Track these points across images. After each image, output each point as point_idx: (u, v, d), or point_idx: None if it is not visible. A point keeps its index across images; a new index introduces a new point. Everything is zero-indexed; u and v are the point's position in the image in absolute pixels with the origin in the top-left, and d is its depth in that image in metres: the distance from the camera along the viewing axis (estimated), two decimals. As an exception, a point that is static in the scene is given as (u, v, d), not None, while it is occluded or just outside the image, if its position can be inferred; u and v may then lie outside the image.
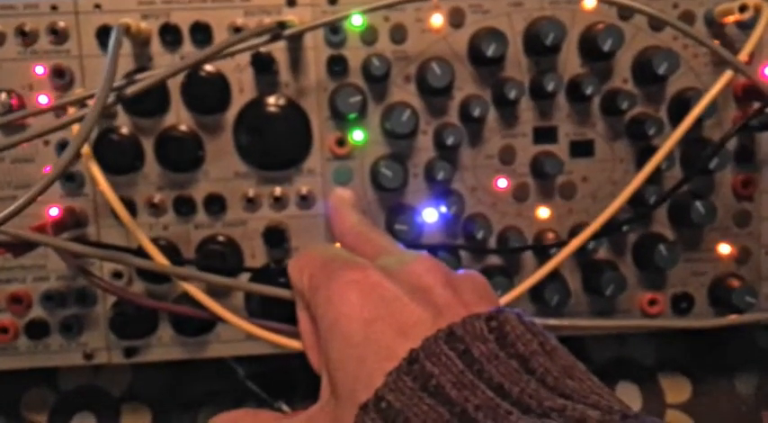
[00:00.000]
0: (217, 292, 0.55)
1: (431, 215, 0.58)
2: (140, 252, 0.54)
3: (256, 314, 0.55)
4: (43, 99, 0.55)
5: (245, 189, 0.57)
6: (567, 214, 0.59)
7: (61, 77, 0.55)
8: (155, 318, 0.58)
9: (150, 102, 0.56)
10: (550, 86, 0.56)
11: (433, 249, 0.57)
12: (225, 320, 0.52)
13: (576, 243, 0.55)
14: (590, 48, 0.57)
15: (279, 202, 0.58)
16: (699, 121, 0.56)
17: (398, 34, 0.57)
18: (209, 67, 0.56)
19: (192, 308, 0.53)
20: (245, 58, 0.56)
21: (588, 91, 0.56)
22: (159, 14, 0.56)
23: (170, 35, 0.56)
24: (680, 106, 0.57)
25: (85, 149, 0.54)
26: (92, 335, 0.58)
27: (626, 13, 0.58)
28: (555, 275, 0.58)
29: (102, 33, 0.55)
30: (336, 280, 0.39)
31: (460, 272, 0.42)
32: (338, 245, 0.50)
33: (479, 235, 0.57)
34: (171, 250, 0.56)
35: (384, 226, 0.58)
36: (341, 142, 0.58)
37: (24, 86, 0.56)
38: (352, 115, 0.56)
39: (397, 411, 0.31)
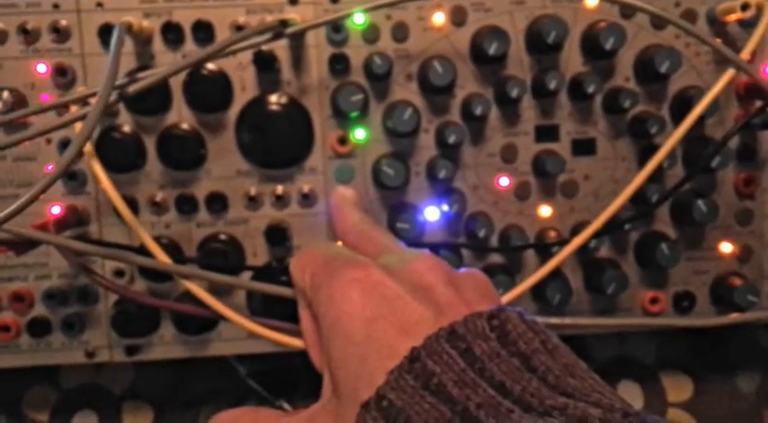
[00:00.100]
0: (218, 291, 0.55)
1: (432, 214, 0.58)
2: (142, 250, 0.54)
3: (258, 313, 0.55)
4: (45, 97, 0.55)
5: (247, 187, 0.57)
6: (568, 213, 0.59)
7: (63, 76, 0.55)
8: (156, 316, 0.58)
9: (152, 100, 0.56)
10: (552, 85, 0.56)
11: (434, 248, 0.57)
12: (227, 319, 0.53)
13: (577, 241, 0.55)
14: (592, 46, 0.57)
15: (281, 201, 0.58)
16: (701, 120, 0.56)
17: (400, 33, 0.57)
18: (210, 66, 0.56)
19: (193, 306, 0.54)
20: (246, 56, 0.56)
21: (590, 89, 0.56)
22: (161, 13, 0.56)
23: (172, 33, 0.56)
24: (682, 105, 0.57)
25: (88, 148, 0.54)
26: (93, 333, 0.58)
27: (628, 11, 0.58)
28: (557, 274, 0.58)
29: (104, 32, 0.55)
30: (338, 278, 0.39)
31: (462, 270, 0.42)
32: (340, 243, 0.50)
33: (481, 233, 0.57)
34: (173, 249, 0.56)
35: (386, 224, 0.58)
36: (343, 141, 0.58)
37: (26, 85, 0.56)
38: (354, 114, 0.56)
39: (398, 410, 0.31)
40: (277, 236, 0.57)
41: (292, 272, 0.46)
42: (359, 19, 0.56)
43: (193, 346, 0.59)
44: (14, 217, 0.42)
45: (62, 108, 0.54)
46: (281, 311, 0.51)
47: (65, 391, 0.64)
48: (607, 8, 0.58)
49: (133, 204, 0.57)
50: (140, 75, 0.52)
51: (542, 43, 0.56)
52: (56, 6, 0.55)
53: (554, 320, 0.56)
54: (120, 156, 0.55)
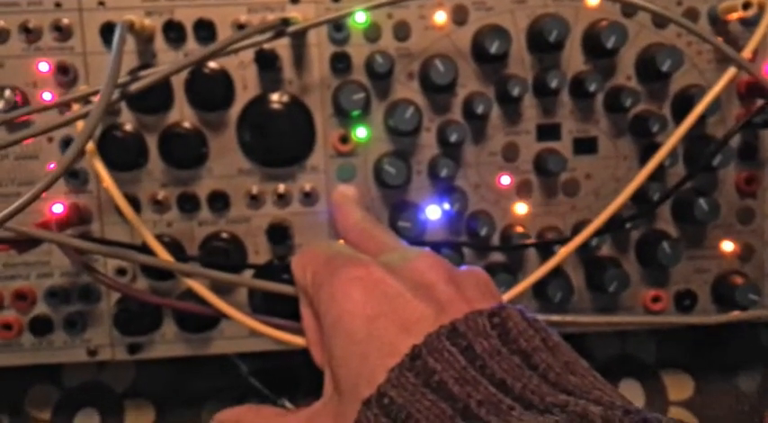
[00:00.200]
0: (220, 289, 0.55)
1: (434, 212, 0.58)
2: (144, 249, 0.54)
3: (260, 311, 0.55)
4: (47, 96, 0.55)
5: (249, 186, 0.58)
6: (570, 211, 0.59)
7: (65, 74, 0.55)
8: (158, 314, 0.58)
9: (154, 99, 0.56)
10: (554, 83, 0.56)
11: (436, 246, 0.57)
12: (228, 317, 0.53)
13: (579, 240, 0.55)
14: (593, 45, 0.57)
15: (282, 199, 0.58)
16: (702, 119, 0.56)
17: (402, 31, 0.57)
18: (212, 64, 0.56)
19: (195, 304, 0.54)
20: (248, 55, 0.56)
21: (591, 88, 0.56)
22: (163, 11, 0.56)
23: (174, 32, 0.56)
24: (683, 103, 0.57)
25: (90, 146, 0.54)
26: (96, 331, 0.58)
27: (629, 9, 0.58)
28: (558, 272, 0.58)
29: (106, 30, 0.55)
30: (339, 276, 0.39)
31: (463, 268, 0.42)
32: (341, 242, 0.50)
33: (482, 232, 0.57)
34: (175, 247, 0.56)
35: (387, 223, 0.58)
36: (344, 139, 0.58)
37: (28, 83, 0.56)
38: (356, 112, 0.56)
39: (399, 407, 0.31)
40: (279, 234, 0.57)
41: (294, 270, 0.46)
42: (360, 18, 0.56)
43: (195, 345, 0.59)
44: (16, 215, 0.42)
45: (64, 106, 0.54)
46: (283, 309, 0.51)
47: (67, 390, 0.65)
48: (608, 7, 0.58)
49: (135, 203, 0.57)
50: (142, 73, 0.52)
51: (544, 42, 0.56)
52: (58, 5, 0.55)
53: (555, 318, 0.56)
54: (122, 154, 0.56)
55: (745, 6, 0.56)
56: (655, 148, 0.56)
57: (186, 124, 0.56)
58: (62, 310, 0.57)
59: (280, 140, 0.56)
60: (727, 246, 0.60)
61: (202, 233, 0.58)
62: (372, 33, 0.57)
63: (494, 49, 0.55)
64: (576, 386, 0.32)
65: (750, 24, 0.58)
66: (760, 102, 0.57)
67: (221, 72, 0.56)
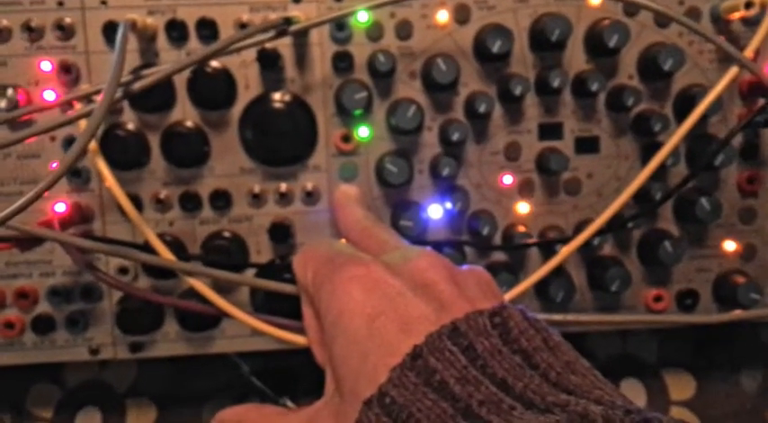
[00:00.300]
0: (222, 288, 0.55)
1: (436, 211, 0.58)
2: (146, 248, 0.54)
3: (261, 310, 0.55)
4: (49, 95, 0.55)
5: (251, 185, 0.58)
6: (572, 210, 0.59)
7: (67, 73, 0.55)
8: (160, 313, 0.58)
9: (156, 98, 0.56)
10: (556, 83, 0.56)
11: (437, 245, 0.57)
12: (230, 316, 0.53)
13: (581, 239, 0.55)
14: (595, 44, 0.57)
15: (284, 198, 0.58)
16: (704, 118, 0.56)
17: (404, 30, 0.57)
18: (214, 63, 0.56)
19: (197, 303, 0.54)
20: (250, 54, 0.56)
21: (594, 87, 0.56)
22: (165, 10, 0.56)
23: (176, 31, 0.56)
24: (685, 102, 0.57)
25: (92, 145, 0.54)
26: (97, 330, 0.58)
27: (631, 9, 0.58)
28: (560, 271, 0.58)
29: (109, 29, 0.55)
30: (340, 275, 0.39)
31: (464, 267, 0.42)
32: (343, 241, 0.50)
33: (484, 231, 0.57)
34: (177, 246, 0.56)
35: (389, 222, 0.58)
36: (346, 138, 0.58)
37: (30, 82, 0.56)
38: (358, 111, 0.56)
39: (400, 407, 0.31)
40: (280, 233, 0.57)
41: (295, 269, 0.46)
42: (362, 17, 0.56)
43: (197, 344, 0.59)
44: (19, 214, 0.42)
45: (66, 106, 0.54)
46: (285, 309, 0.51)
47: (68, 389, 0.65)
48: (611, 6, 0.58)
49: (137, 202, 0.57)
50: (144, 72, 0.52)
51: (546, 41, 0.56)
52: (60, 4, 0.55)
53: (557, 317, 0.56)
54: (124, 153, 0.56)
55: (747, 6, 0.56)
56: (656, 147, 0.56)
57: (188, 123, 0.56)
58: (64, 308, 0.57)
59: (282, 139, 0.56)
60: (729, 245, 0.60)
61: (204, 232, 0.58)
62: (374, 32, 0.57)
63: (496, 48, 0.55)
64: (577, 386, 0.32)
65: (752, 24, 0.58)
66: (762, 101, 0.57)
67: (223, 71, 0.56)
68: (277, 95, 0.57)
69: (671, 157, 0.56)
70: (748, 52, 0.55)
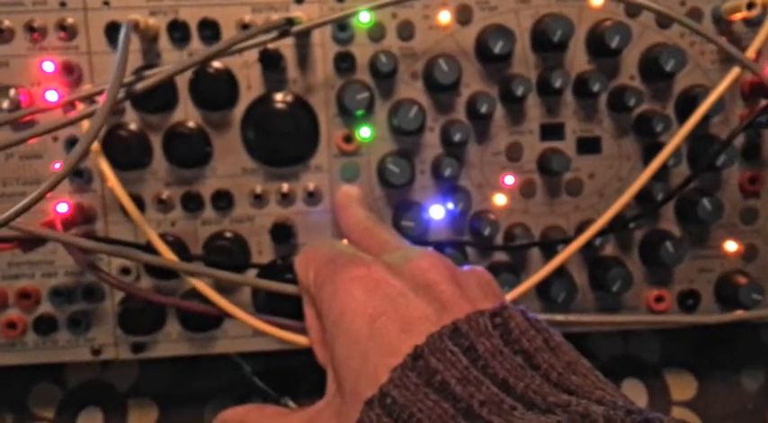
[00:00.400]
0: (224, 288, 0.55)
1: (437, 212, 0.58)
2: (148, 248, 0.54)
3: (263, 310, 0.55)
4: (52, 95, 0.55)
5: (253, 185, 0.58)
6: (573, 211, 0.59)
7: (70, 74, 0.55)
8: (162, 313, 0.58)
9: (158, 98, 0.56)
10: (557, 83, 0.56)
11: (439, 246, 0.57)
12: (232, 316, 0.53)
13: (582, 239, 0.55)
14: (597, 45, 0.57)
15: (286, 199, 0.58)
16: (706, 118, 0.56)
17: (406, 31, 0.57)
18: (216, 64, 0.56)
19: (199, 304, 0.54)
20: (252, 54, 0.56)
21: (595, 88, 0.56)
22: (167, 11, 0.56)
23: (178, 32, 0.56)
24: (687, 103, 0.57)
25: (95, 146, 0.54)
26: (99, 330, 0.58)
27: (633, 10, 0.58)
28: (561, 272, 0.58)
29: (111, 30, 0.55)
30: (341, 276, 0.39)
31: (465, 268, 0.42)
32: (345, 241, 0.50)
33: (486, 231, 0.57)
34: (179, 246, 0.56)
35: (391, 222, 0.58)
36: (348, 139, 0.58)
37: (33, 83, 0.56)
38: (360, 112, 0.56)
39: (401, 407, 0.31)
40: (282, 234, 0.57)
41: (296, 269, 0.46)
42: (364, 17, 0.56)
43: (198, 344, 0.59)
44: (21, 214, 0.42)
45: (68, 106, 0.54)
46: (286, 309, 0.51)
47: (70, 389, 0.65)
48: (612, 7, 0.58)
49: (139, 202, 0.57)
50: (147, 73, 0.52)
51: (548, 42, 0.56)
52: (62, 4, 0.55)
53: (558, 318, 0.56)
54: (127, 153, 0.56)
55: (749, 6, 0.56)
56: (658, 147, 0.56)
57: (190, 124, 0.57)
58: (66, 309, 0.58)
59: (283, 140, 0.57)
60: (731, 245, 0.60)
61: (206, 232, 0.58)
62: (376, 33, 0.57)
63: (498, 48, 0.55)
64: (579, 386, 0.32)
65: (754, 24, 0.58)
66: (763, 102, 0.57)
67: (225, 72, 0.56)
68: (279, 96, 0.57)
69: (672, 158, 0.56)
70: (750, 53, 0.55)
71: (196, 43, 0.56)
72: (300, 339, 0.50)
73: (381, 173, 0.57)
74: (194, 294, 0.54)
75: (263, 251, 0.58)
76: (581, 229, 0.58)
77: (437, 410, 0.31)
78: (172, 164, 0.57)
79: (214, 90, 0.56)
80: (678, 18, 0.54)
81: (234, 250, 0.57)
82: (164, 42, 0.56)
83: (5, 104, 0.54)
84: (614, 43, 0.55)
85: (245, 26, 0.56)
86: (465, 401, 0.31)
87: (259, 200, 0.58)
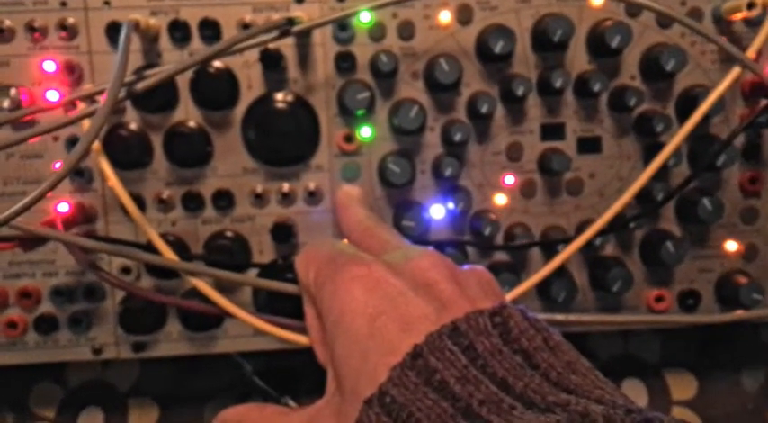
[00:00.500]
0: (225, 288, 0.55)
1: (438, 211, 0.58)
2: (149, 247, 0.54)
3: (264, 309, 0.55)
4: (53, 95, 0.55)
5: (253, 185, 0.58)
6: (574, 211, 0.59)
7: (70, 73, 0.55)
8: (163, 313, 0.58)
9: (159, 98, 0.56)
10: (558, 83, 0.56)
11: (439, 245, 0.57)
12: (233, 316, 0.53)
13: (582, 239, 0.55)
14: (598, 44, 0.57)
15: (287, 198, 0.58)
16: (706, 118, 0.56)
17: (406, 31, 0.57)
18: (217, 64, 0.56)
19: (200, 303, 0.54)
20: (253, 54, 0.56)
21: (596, 88, 0.56)
22: (168, 11, 0.56)
23: (179, 32, 0.56)
24: (687, 103, 0.57)
25: (95, 145, 0.54)
26: (100, 330, 0.58)
27: (634, 9, 0.58)
28: (562, 272, 0.58)
29: (112, 30, 0.55)
30: (341, 275, 0.39)
31: (465, 267, 0.42)
32: (345, 241, 0.50)
33: (486, 231, 0.57)
34: (179, 246, 0.56)
35: (391, 222, 0.58)
36: (349, 138, 0.58)
37: (34, 82, 0.56)
38: (360, 112, 0.56)
39: (400, 406, 0.31)
40: (283, 233, 0.57)
41: (297, 269, 0.46)
42: (365, 17, 0.56)
43: (199, 343, 0.59)
44: (22, 214, 0.42)
45: (69, 106, 0.54)
46: (287, 308, 0.51)
47: (71, 388, 0.65)
48: (613, 7, 0.58)
49: (140, 201, 0.57)
50: (147, 72, 0.52)
51: (548, 42, 0.56)
52: (63, 4, 0.55)
53: (559, 317, 0.56)
54: (127, 153, 0.56)
55: (750, 6, 0.56)
56: (659, 147, 0.56)
57: (191, 123, 0.57)
58: (67, 308, 0.58)
59: (284, 140, 0.57)
60: (731, 245, 0.60)
61: (207, 232, 0.58)
62: (377, 33, 0.57)
63: (498, 48, 0.55)
64: (578, 385, 0.32)
65: (754, 24, 0.58)
66: (764, 101, 0.57)
67: (226, 71, 0.56)
68: (280, 96, 0.57)
69: (673, 158, 0.56)
70: (750, 53, 0.55)
71: (197, 43, 0.56)
72: (301, 339, 0.50)
73: (382, 172, 0.57)
74: (195, 294, 0.54)
75: (263, 251, 0.58)
76: (581, 228, 0.58)
77: (436, 409, 0.31)
78: (172, 163, 0.57)
79: (215, 90, 0.56)
80: (679, 18, 0.54)
81: (234, 250, 0.57)
82: (164, 42, 0.56)
83: (6, 104, 0.54)
84: (615, 43, 0.55)
85: (245, 26, 0.56)
86: (464, 400, 0.31)
87: (260, 199, 0.58)
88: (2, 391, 0.64)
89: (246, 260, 0.58)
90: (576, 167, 0.59)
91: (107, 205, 0.57)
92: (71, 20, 0.55)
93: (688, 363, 0.67)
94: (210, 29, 0.56)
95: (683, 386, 0.67)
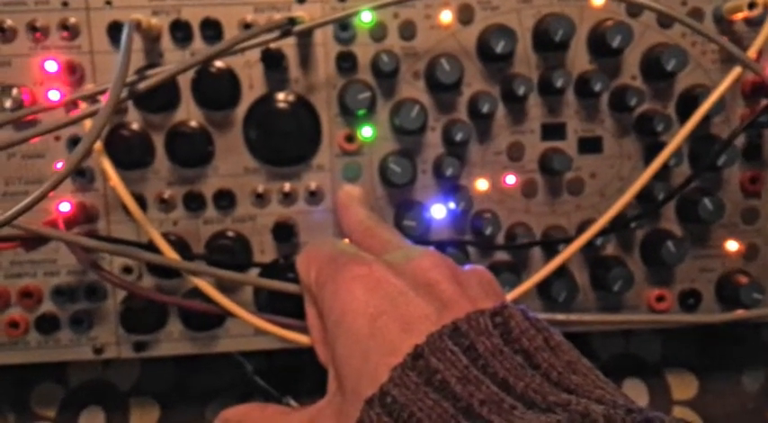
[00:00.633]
0: (226, 287, 0.55)
1: (439, 211, 0.58)
2: (150, 247, 0.54)
3: (265, 309, 0.55)
4: (54, 95, 0.55)
5: (255, 185, 0.58)
6: (575, 210, 0.59)
7: (72, 73, 0.55)
8: (164, 313, 0.58)
9: (160, 98, 0.56)
10: (559, 83, 0.56)
11: (440, 245, 0.57)
12: (234, 315, 0.53)
13: (583, 239, 0.55)
14: (599, 44, 0.57)
15: (288, 198, 0.58)
16: (707, 118, 0.56)
17: (407, 30, 0.57)
18: (219, 64, 0.56)
19: (201, 303, 0.54)
20: (254, 54, 0.56)
21: (597, 87, 0.56)
22: (170, 11, 0.56)
23: (180, 31, 0.56)
24: (688, 103, 0.57)
25: (97, 145, 0.54)
26: (102, 329, 0.58)
27: (635, 9, 0.58)
28: (562, 271, 0.58)
29: (113, 29, 0.55)
30: (342, 275, 0.39)
31: (466, 267, 0.42)
32: (346, 240, 0.50)
33: (487, 231, 0.57)
34: (181, 245, 0.56)
35: (392, 222, 0.58)
36: (350, 138, 0.58)
37: (35, 82, 0.56)
38: (362, 111, 0.56)
39: (401, 406, 0.31)
40: (284, 233, 0.57)
41: (298, 268, 0.46)
42: (366, 17, 0.56)
43: (200, 343, 0.59)
44: (24, 213, 0.42)
45: (71, 105, 0.54)
46: (288, 308, 0.51)
47: (72, 388, 0.65)
48: (614, 6, 0.58)
49: (141, 201, 0.57)
50: (149, 72, 0.52)
51: (549, 41, 0.56)
52: (65, 4, 0.55)
53: (559, 317, 0.56)
54: (129, 153, 0.56)
55: (751, 6, 0.56)
56: (659, 147, 0.56)
57: (192, 123, 0.57)
58: (68, 308, 0.58)
59: (285, 139, 0.57)
60: (732, 245, 0.60)
61: (208, 232, 0.58)
62: (378, 33, 0.57)
63: (499, 48, 0.55)
64: (579, 385, 0.32)
65: (755, 24, 0.58)
66: (765, 101, 0.57)
67: (228, 71, 0.56)
68: (281, 95, 0.57)
69: (674, 158, 0.56)
70: (751, 53, 0.55)
71: (198, 43, 0.56)
72: (302, 338, 0.50)
73: (383, 172, 0.57)
74: (196, 293, 0.54)
75: (264, 250, 0.58)
76: (582, 228, 0.58)
77: (437, 410, 0.31)
78: (174, 163, 0.57)
79: (216, 90, 0.56)
80: (679, 18, 0.54)
81: (236, 249, 0.57)
82: (166, 42, 0.56)
83: (8, 104, 0.54)
84: (616, 43, 0.55)
85: (247, 26, 0.56)
86: (465, 401, 0.31)
87: (261, 199, 0.58)
88: (3, 391, 0.64)
89: (248, 260, 0.58)
90: (576, 167, 0.59)
91: (109, 205, 0.57)
92: (73, 20, 0.55)
93: (689, 362, 0.67)
94: (212, 29, 0.56)
95: (683, 386, 0.67)
